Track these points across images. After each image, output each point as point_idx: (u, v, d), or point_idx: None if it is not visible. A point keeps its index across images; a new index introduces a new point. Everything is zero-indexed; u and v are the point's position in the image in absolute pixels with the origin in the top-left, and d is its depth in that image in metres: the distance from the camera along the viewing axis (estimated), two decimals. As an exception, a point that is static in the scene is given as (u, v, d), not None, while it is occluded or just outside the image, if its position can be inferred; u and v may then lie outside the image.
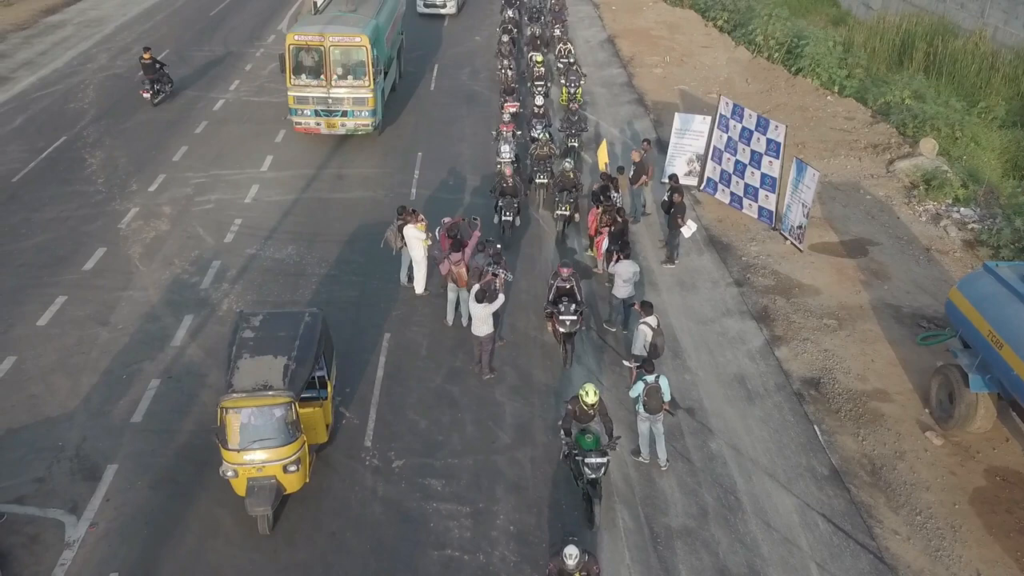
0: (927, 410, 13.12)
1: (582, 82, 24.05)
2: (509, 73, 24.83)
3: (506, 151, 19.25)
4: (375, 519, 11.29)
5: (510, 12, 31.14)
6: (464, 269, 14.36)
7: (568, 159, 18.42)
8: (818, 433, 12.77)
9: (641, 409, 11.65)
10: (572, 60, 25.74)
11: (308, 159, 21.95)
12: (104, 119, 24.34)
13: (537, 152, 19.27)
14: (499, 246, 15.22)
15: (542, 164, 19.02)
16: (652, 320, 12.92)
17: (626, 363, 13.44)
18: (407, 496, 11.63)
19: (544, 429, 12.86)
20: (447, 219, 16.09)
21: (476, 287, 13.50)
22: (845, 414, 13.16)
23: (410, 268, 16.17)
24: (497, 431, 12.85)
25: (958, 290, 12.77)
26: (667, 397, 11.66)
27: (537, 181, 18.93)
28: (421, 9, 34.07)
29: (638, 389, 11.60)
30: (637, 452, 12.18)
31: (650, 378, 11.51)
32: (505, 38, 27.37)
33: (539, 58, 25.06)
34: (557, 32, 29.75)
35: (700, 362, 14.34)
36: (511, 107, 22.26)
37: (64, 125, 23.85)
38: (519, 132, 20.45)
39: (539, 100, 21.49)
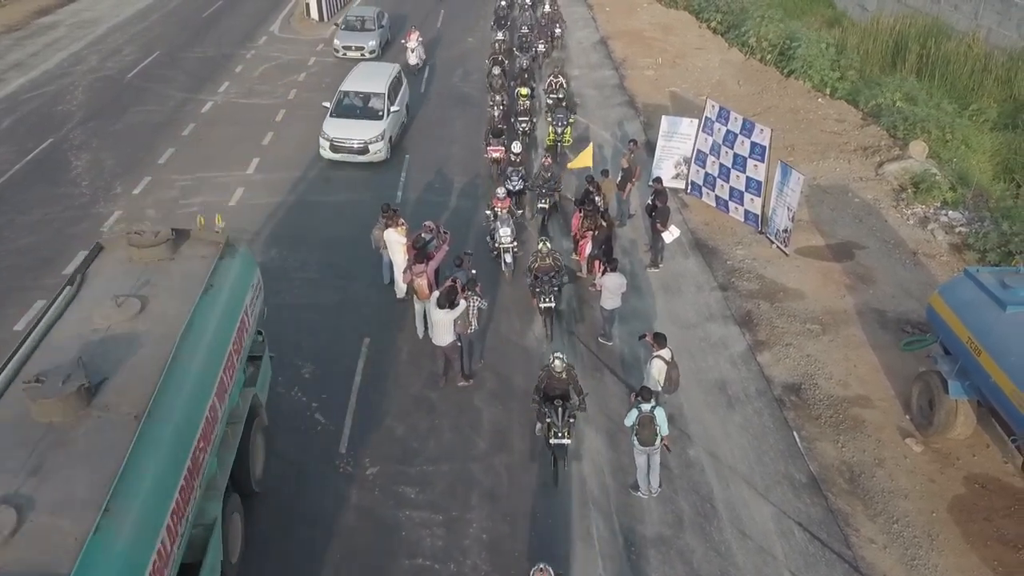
0: (908, 416, 13.00)
1: (571, 120, 21.88)
2: (496, 113, 22.29)
3: (506, 234, 16.13)
4: (348, 527, 11.19)
5: (500, 35, 28.43)
6: (425, 281, 14.14)
7: (545, 240, 15.15)
8: (797, 440, 12.65)
9: (635, 440, 11.05)
10: (562, 96, 23.26)
11: (295, 162, 21.82)
12: (92, 121, 24.28)
13: (538, 264, 14.62)
14: (475, 272, 14.43)
15: (546, 283, 14.47)
16: (666, 353, 12.06)
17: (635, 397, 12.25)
18: (381, 504, 11.53)
19: (522, 435, 12.75)
20: (428, 223, 15.99)
21: (436, 293, 13.29)
22: (825, 420, 13.05)
23: (392, 269, 16.07)
24: (474, 438, 12.74)
25: (939, 295, 12.65)
26: (664, 431, 10.97)
27: (542, 306, 14.60)
28: (327, 154, 21.51)
29: (632, 418, 10.96)
30: (636, 487, 11.56)
31: (645, 407, 10.87)
32: (496, 70, 24.55)
33: (524, 91, 22.73)
34: (541, 47, 28.10)
35: (682, 368, 13.89)
36: (495, 151, 19.94)
37: (52, 127, 23.79)
38: (516, 209, 17.93)
39: (516, 147, 19.07)
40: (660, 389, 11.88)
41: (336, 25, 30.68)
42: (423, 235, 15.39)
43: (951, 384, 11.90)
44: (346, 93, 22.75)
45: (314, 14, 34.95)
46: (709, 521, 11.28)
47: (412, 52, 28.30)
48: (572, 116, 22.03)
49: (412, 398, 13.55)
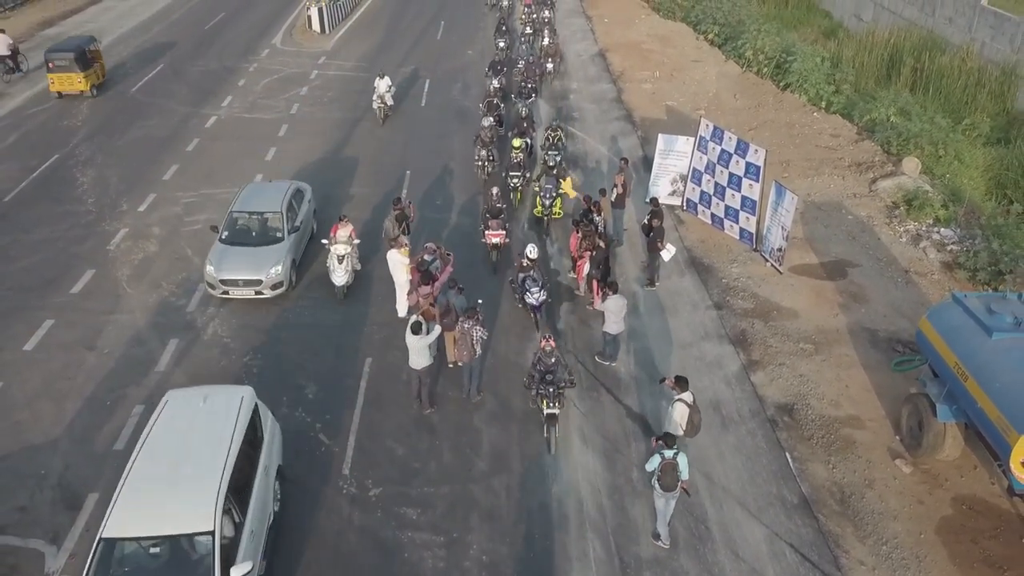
0: (898, 437, 13.28)
1: (561, 191, 19.07)
2: (494, 191, 18.23)
3: None
4: (350, 548, 11.48)
5: (495, 83, 25.52)
6: (431, 303, 14.49)
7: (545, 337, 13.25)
8: (790, 461, 12.93)
9: (656, 485, 10.99)
10: (553, 166, 20.13)
11: (298, 178, 22.01)
12: (97, 136, 24.61)
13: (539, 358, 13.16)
14: (480, 302, 14.50)
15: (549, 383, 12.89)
16: (688, 396, 11.89)
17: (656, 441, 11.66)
18: (382, 525, 11.82)
19: (521, 457, 13.04)
20: (430, 244, 16.30)
21: (413, 318, 13.61)
22: (817, 441, 13.33)
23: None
24: (474, 458, 13.03)
25: (927, 320, 12.93)
26: (685, 475, 10.91)
27: (547, 412, 12.98)
28: None
29: (654, 463, 10.87)
30: (657, 536, 11.48)
31: (668, 453, 10.75)
32: (487, 122, 22.21)
33: (518, 143, 20.64)
34: (530, 85, 26.21)
35: (677, 387, 14.48)
36: (494, 236, 17.32)
37: (57, 142, 24.11)
38: None
39: (532, 252, 15.75)
40: (681, 433, 11.85)
41: (213, 231, 17.26)
42: (425, 256, 15.69)
43: (939, 408, 12.18)
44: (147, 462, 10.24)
45: (316, 26, 35.29)
46: (703, 543, 11.57)
47: (339, 264, 16.44)
48: (562, 182, 19.24)
49: (412, 419, 13.84)
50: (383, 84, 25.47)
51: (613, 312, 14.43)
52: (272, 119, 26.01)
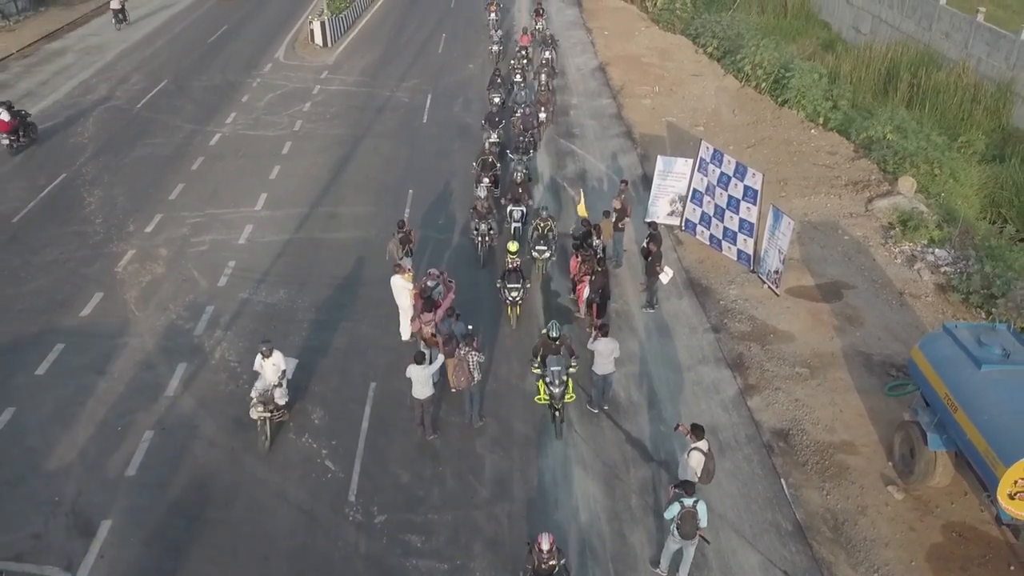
0: (890, 463, 13.59)
1: (573, 366, 14.04)
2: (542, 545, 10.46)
3: None
4: None
5: (494, 136, 23.21)
6: (433, 328, 14.83)
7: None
8: (784, 487, 13.23)
9: (675, 531, 11.07)
10: (558, 335, 14.22)
11: (302, 197, 22.45)
12: (103, 154, 24.93)
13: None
14: (470, 327, 14.56)
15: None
16: (703, 445, 11.87)
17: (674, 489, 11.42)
18: (388, 552, 12.13)
19: (523, 483, 13.35)
20: (433, 270, 16.60)
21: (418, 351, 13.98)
22: (812, 467, 13.64)
23: None
24: (477, 485, 13.34)
25: (919, 350, 13.22)
26: (703, 523, 11.00)
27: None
28: None
29: (673, 511, 10.92)
30: (656, 563, 11.81)
31: (688, 501, 10.83)
32: (483, 191, 19.57)
33: (513, 248, 17.01)
34: (528, 137, 23.67)
35: (675, 413, 14.78)
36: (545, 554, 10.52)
37: (64, 161, 24.44)
38: None
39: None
40: (696, 480, 11.99)
41: None
42: (428, 283, 16.01)
43: (930, 437, 12.48)
44: None
45: (318, 39, 35.60)
46: (700, 570, 11.86)
47: None
48: (574, 360, 14.11)
49: (416, 445, 14.14)
50: (269, 367, 13.92)
51: (603, 354, 14.39)
52: (276, 136, 26.32)
